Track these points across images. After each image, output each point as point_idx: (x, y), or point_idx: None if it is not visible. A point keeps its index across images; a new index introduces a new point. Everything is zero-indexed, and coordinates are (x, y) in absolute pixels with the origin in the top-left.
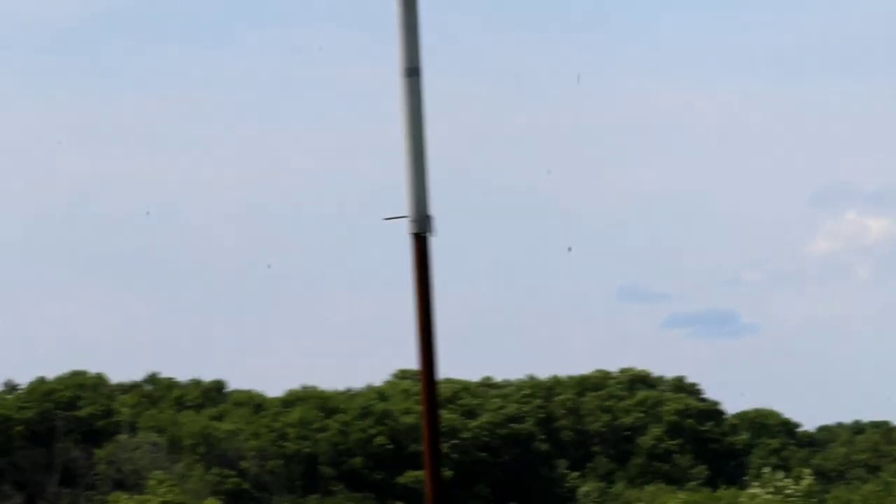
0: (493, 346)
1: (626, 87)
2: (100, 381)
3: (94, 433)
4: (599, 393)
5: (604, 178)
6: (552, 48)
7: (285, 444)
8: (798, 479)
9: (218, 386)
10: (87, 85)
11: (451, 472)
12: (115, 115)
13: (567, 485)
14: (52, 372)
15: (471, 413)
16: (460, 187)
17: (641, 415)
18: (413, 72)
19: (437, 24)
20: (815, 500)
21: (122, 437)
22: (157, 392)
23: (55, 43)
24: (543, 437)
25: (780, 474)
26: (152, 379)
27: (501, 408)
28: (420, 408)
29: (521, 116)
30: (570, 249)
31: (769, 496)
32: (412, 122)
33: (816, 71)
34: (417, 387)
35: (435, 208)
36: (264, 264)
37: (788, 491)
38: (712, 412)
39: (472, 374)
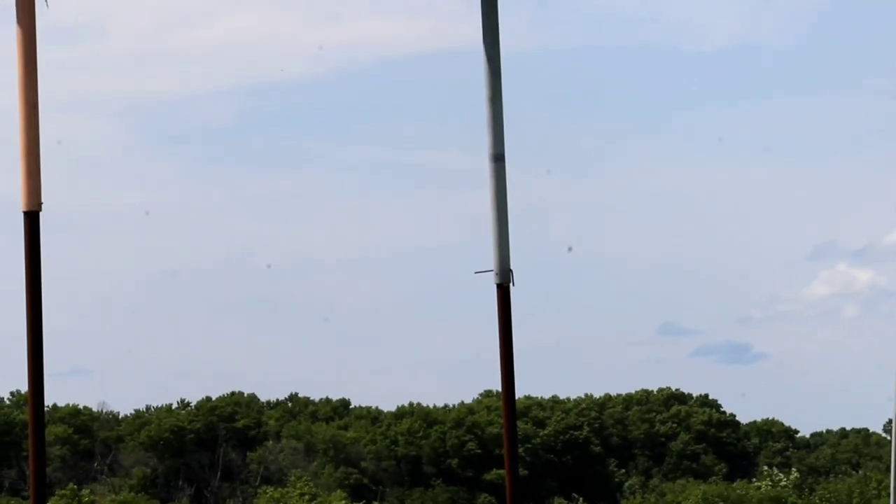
0: (559, 370)
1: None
2: (252, 399)
3: (248, 440)
4: (641, 407)
5: (652, 238)
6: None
7: (396, 448)
8: (789, 474)
9: (344, 403)
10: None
11: (525, 470)
12: (252, 196)
13: (616, 479)
14: (215, 392)
15: (541, 423)
16: (536, 247)
17: (674, 425)
18: (499, 157)
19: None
20: (802, 490)
21: (270, 443)
22: (296, 408)
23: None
24: (597, 442)
25: (776, 471)
26: (293, 397)
27: (564, 419)
28: (501, 420)
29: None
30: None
31: (768, 488)
32: (498, 198)
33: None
34: (499, 404)
35: (514, 264)
36: (378, 306)
37: (782, 483)
38: (730, 422)
39: (543, 392)
